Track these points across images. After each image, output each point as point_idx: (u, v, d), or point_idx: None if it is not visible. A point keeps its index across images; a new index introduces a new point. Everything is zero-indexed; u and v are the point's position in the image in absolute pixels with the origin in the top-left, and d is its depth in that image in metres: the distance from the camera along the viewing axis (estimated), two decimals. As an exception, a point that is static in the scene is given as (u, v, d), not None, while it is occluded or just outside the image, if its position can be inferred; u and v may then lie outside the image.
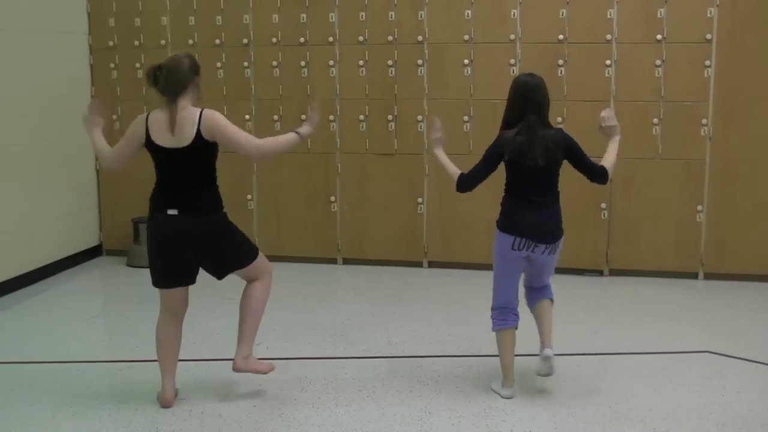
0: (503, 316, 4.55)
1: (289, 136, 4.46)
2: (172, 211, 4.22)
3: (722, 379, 4.86)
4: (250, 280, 4.50)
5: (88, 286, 7.16)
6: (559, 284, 4.80)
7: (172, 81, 4.21)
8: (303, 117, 7.24)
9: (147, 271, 7.25)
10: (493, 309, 4.61)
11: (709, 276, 6.98)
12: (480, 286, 6.71)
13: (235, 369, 4.44)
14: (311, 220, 7.51)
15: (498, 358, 4.63)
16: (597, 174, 4.55)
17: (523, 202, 4.43)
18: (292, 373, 4.89)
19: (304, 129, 4.55)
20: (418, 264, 7.40)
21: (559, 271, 5.29)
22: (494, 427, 4.20)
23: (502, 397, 4.54)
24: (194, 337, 5.44)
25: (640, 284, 6.88)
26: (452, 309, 6.22)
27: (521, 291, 4.70)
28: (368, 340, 5.53)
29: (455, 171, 4.61)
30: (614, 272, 7.09)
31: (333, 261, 7.54)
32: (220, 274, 4.45)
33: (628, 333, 5.69)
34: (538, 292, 4.69)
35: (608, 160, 4.61)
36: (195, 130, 4.17)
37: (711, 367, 5.06)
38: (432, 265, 7.38)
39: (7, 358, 5.20)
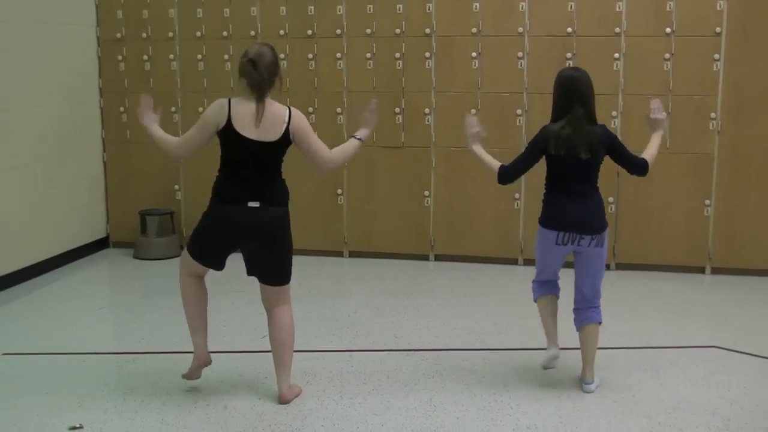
0: (541, 284, 4.68)
1: (354, 144, 4.49)
2: (253, 204, 4.21)
3: (728, 374, 4.84)
4: (273, 305, 4.43)
5: (95, 277, 7.18)
6: (565, 278, 4.78)
7: (263, 74, 4.15)
8: (310, 109, 7.30)
9: (154, 263, 7.31)
10: (534, 280, 4.72)
11: (716, 270, 6.96)
12: (486, 280, 6.74)
13: (284, 402, 4.39)
14: (318, 212, 7.51)
15: (508, 352, 4.63)
16: (638, 167, 4.54)
17: (565, 196, 4.43)
18: (298, 365, 4.86)
19: (363, 132, 4.56)
20: (424, 257, 7.39)
21: (567, 264, 5.26)
22: (499, 421, 4.19)
23: (549, 356, 4.63)
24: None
25: (647, 278, 6.86)
26: (458, 302, 6.21)
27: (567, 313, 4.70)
28: (374, 333, 5.53)
29: (495, 164, 4.58)
30: (621, 266, 7.07)
31: (339, 254, 7.54)
32: (262, 277, 4.39)
33: (634, 327, 5.68)
34: (585, 314, 4.58)
35: (650, 152, 4.60)
36: (284, 128, 4.18)
37: (717, 362, 5.04)
38: (438, 258, 7.38)
39: (15, 349, 5.22)
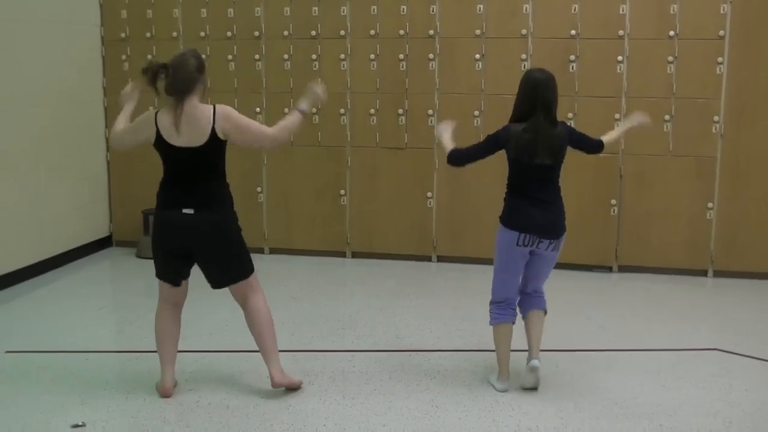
0: (501, 310, 4.57)
1: (295, 118, 4.39)
2: (187, 210, 4.22)
3: (730, 376, 4.85)
4: (244, 299, 4.45)
5: (97, 276, 7.19)
6: (567, 280, 4.80)
7: (179, 81, 4.14)
8: (314, 110, 7.30)
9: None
10: (491, 303, 4.63)
11: (718, 273, 6.96)
12: (488, 281, 6.69)
13: (276, 385, 4.42)
14: (321, 213, 7.52)
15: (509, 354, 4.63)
16: (593, 146, 4.67)
17: (527, 200, 4.43)
18: (300, 365, 4.90)
19: (305, 104, 4.44)
20: (427, 258, 7.40)
21: (568, 267, 5.31)
22: (501, 422, 4.20)
23: (496, 390, 4.56)
24: (202, 328, 5.47)
25: (649, 281, 6.86)
26: (460, 303, 6.22)
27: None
28: (376, 334, 5.54)
29: (450, 145, 4.66)
30: (623, 269, 7.08)
31: (342, 254, 7.55)
32: (218, 281, 4.41)
33: (636, 329, 5.68)
34: (532, 300, 4.64)
35: (610, 135, 4.80)
36: (210, 129, 4.16)
37: (719, 365, 5.05)
38: (441, 259, 7.39)
39: (18, 347, 5.23)
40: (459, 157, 4.62)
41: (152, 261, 4.43)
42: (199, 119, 4.17)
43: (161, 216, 4.32)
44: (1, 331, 5.59)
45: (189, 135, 4.16)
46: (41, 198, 6.91)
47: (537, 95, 4.39)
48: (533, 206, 4.41)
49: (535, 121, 4.38)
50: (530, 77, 4.47)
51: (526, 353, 4.63)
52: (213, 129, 4.17)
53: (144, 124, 4.26)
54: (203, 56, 4.42)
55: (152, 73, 4.16)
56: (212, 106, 4.22)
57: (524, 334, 4.65)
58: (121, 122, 4.43)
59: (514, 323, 4.61)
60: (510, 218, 4.46)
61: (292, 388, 4.51)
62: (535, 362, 4.54)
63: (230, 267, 4.39)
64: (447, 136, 4.72)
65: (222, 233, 4.31)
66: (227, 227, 4.34)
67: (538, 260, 4.54)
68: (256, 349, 4.92)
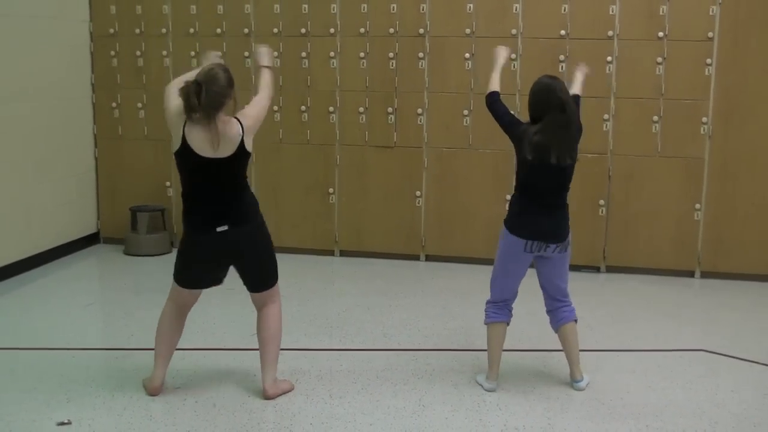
0: (498, 309, 4.57)
1: (268, 75, 4.49)
2: (221, 228, 4.20)
3: (716, 377, 4.87)
4: (262, 305, 4.46)
5: (84, 273, 7.16)
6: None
7: (211, 97, 4.07)
8: (303, 108, 7.31)
9: (144, 259, 7.29)
10: (489, 302, 4.62)
11: (705, 274, 6.98)
12: (477, 281, 6.72)
13: (268, 396, 4.39)
14: (309, 211, 7.51)
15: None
16: (578, 103, 4.71)
17: (535, 205, 4.40)
18: (287, 364, 4.88)
19: (266, 61, 4.54)
20: (415, 257, 7.40)
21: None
22: (488, 422, 4.20)
23: (484, 389, 4.56)
24: (190, 326, 5.43)
25: (636, 281, 6.88)
26: (449, 303, 6.22)
27: (543, 316, 4.73)
28: (364, 333, 5.53)
29: (495, 84, 4.72)
30: (611, 269, 7.10)
31: (330, 253, 7.54)
32: (256, 287, 4.43)
33: (623, 330, 5.70)
34: (561, 313, 4.59)
35: (577, 85, 4.91)
36: (239, 141, 4.16)
37: (705, 366, 5.06)
38: (429, 258, 7.39)
39: (3, 344, 5.20)
40: (493, 104, 4.66)
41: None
42: (230, 133, 4.14)
43: (194, 240, 4.28)
44: (-13, 327, 5.57)
45: (220, 148, 4.13)
46: (28, 194, 6.87)
47: (550, 97, 4.35)
48: (540, 212, 4.39)
49: (550, 122, 4.33)
50: (541, 82, 4.44)
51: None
52: (242, 141, 4.17)
53: (176, 121, 4.19)
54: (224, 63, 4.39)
55: (187, 93, 4.07)
56: (237, 120, 4.19)
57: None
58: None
59: (508, 324, 4.60)
60: (516, 224, 4.41)
61: (285, 392, 4.49)
62: (581, 384, 4.57)
63: (267, 272, 4.44)
64: (498, 70, 4.77)
65: (257, 242, 4.35)
66: (261, 234, 4.37)
67: (549, 264, 4.50)
68: (244, 347, 4.93)
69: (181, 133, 4.14)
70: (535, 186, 4.41)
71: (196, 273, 4.38)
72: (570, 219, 4.58)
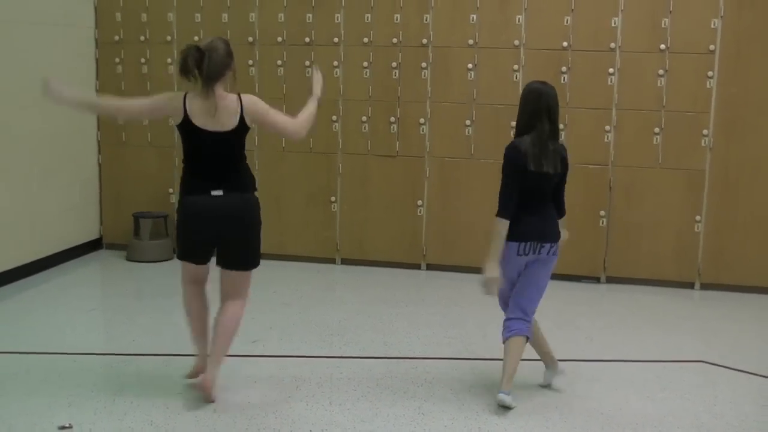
0: (510, 323, 4.53)
1: (312, 106, 4.54)
2: (216, 192, 4.27)
3: (715, 388, 4.88)
4: (230, 296, 4.47)
5: (87, 279, 7.19)
6: (555, 290, 4.82)
7: (212, 66, 4.18)
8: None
9: (147, 265, 7.32)
10: (508, 319, 4.56)
11: (705, 286, 7.00)
12: (477, 290, 6.74)
13: (206, 387, 4.35)
14: (311, 219, 7.54)
15: (497, 362, 4.64)
16: (561, 210, 4.59)
17: (525, 211, 4.41)
18: (288, 371, 4.92)
19: (317, 93, 4.63)
20: (416, 266, 7.42)
21: (557, 277, 5.25)
22: (487, 430, 4.22)
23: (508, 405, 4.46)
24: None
25: (636, 292, 6.89)
26: (449, 312, 6.24)
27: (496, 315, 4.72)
28: (364, 341, 5.55)
29: (500, 234, 4.41)
30: (611, 279, 7.11)
31: (332, 261, 7.57)
32: (231, 263, 4.41)
33: (623, 340, 5.72)
34: (517, 324, 4.48)
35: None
36: (239, 116, 4.23)
37: (704, 377, 5.08)
38: (430, 267, 7.40)
39: (5, 348, 5.23)
40: (509, 212, 4.39)
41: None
42: (228, 106, 4.23)
43: (189, 201, 4.35)
44: (-10, 331, 5.60)
45: (219, 120, 4.22)
46: (33, 199, 6.90)
47: (542, 105, 4.39)
48: (530, 215, 4.41)
49: (540, 132, 4.36)
50: (533, 88, 4.47)
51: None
52: (242, 115, 4.24)
53: (172, 104, 4.26)
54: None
55: (185, 56, 4.17)
56: (236, 95, 4.28)
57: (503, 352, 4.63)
58: (92, 96, 4.35)
59: (528, 338, 4.54)
60: (510, 230, 4.40)
61: (207, 399, 4.40)
62: (503, 398, 4.41)
63: (247, 251, 4.44)
64: (495, 246, 4.46)
65: (248, 214, 4.38)
66: (253, 210, 4.41)
67: (538, 266, 4.47)
68: (243, 354, 4.95)
69: (182, 106, 4.22)
70: (526, 194, 4.42)
71: (188, 241, 4.41)
72: (568, 229, 4.61)
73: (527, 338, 4.51)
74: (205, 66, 4.16)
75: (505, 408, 4.42)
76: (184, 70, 4.20)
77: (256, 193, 4.46)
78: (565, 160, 4.47)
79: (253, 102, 4.31)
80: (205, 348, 4.53)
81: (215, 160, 4.30)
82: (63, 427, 4.08)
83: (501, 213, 4.41)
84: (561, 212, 4.59)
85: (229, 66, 4.27)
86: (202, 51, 4.18)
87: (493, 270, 4.41)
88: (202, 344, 4.55)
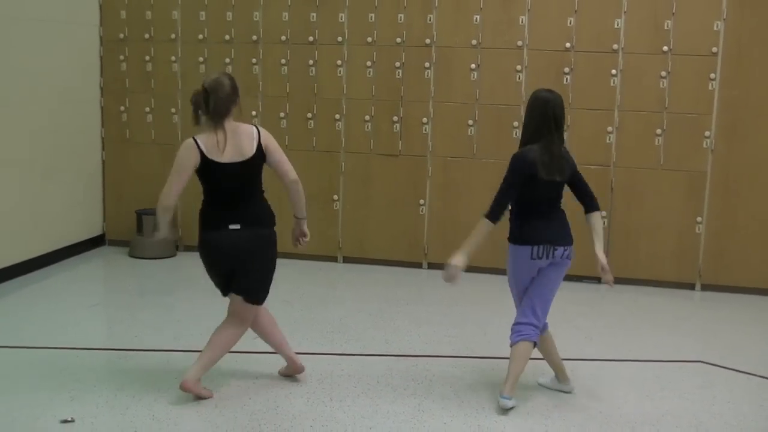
0: (520, 328, 4.53)
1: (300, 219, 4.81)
2: (234, 226, 4.34)
3: (714, 388, 4.90)
4: (234, 315, 4.54)
5: (90, 275, 7.22)
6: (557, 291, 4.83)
7: (219, 103, 4.28)
8: (309, 115, 7.37)
9: (149, 262, 7.36)
10: (518, 323, 4.55)
11: (706, 287, 7.02)
12: (479, 290, 6.79)
13: (185, 388, 4.38)
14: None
15: (497, 360, 4.66)
16: (593, 200, 4.57)
17: (537, 217, 4.46)
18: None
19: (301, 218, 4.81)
20: (417, 265, 7.45)
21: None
22: (486, 428, 4.24)
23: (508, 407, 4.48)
24: (194, 329, 5.51)
25: (637, 293, 6.92)
26: (450, 311, 6.26)
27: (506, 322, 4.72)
28: (365, 338, 5.58)
29: (482, 230, 4.47)
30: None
31: (334, 259, 7.60)
32: (238, 290, 4.49)
33: (623, 340, 5.74)
34: (527, 329, 4.48)
35: (598, 245, 4.63)
36: (255, 145, 4.33)
37: (703, 377, 5.10)
38: (432, 266, 7.42)
39: (8, 343, 5.26)
40: (498, 213, 4.43)
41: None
42: (242, 135, 4.34)
43: (208, 237, 4.40)
44: (-7, 326, 5.63)
45: (235, 150, 4.30)
46: (36, 195, 6.94)
47: (548, 113, 4.41)
48: (542, 221, 4.45)
49: (549, 140, 4.40)
50: (540, 96, 4.48)
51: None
52: (259, 143, 4.34)
53: (188, 155, 4.31)
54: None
55: (197, 102, 4.31)
56: (253, 126, 4.41)
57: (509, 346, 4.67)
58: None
59: (536, 344, 4.55)
60: (520, 234, 4.45)
61: (200, 397, 4.47)
62: (505, 402, 4.41)
63: (263, 283, 4.55)
64: (471, 242, 4.52)
65: (260, 250, 4.45)
66: (267, 246, 4.50)
67: (551, 270, 4.51)
68: (245, 350, 4.98)
69: (197, 150, 4.29)
70: (536, 200, 4.46)
71: (214, 275, 4.49)
72: (572, 230, 4.63)
73: (535, 344, 4.53)
74: (212, 104, 4.27)
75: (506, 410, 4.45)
76: (196, 114, 4.34)
77: (275, 228, 4.53)
78: (569, 160, 4.50)
79: (268, 135, 4.43)
80: (289, 351, 4.74)
81: (233, 192, 4.37)
82: (65, 421, 4.11)
83: (490, 216, 4.44)
84: (594, 204, 4.57)
85: (234, 102, 4.36)
86: (208, 91, 4.28)
87: (459, 260, 4.45)
88: (287, 352, 4.73)
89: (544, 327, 4.61)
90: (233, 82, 4.38)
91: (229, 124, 4.33)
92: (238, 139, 4.31)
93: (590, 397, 4.68)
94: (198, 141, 4.31)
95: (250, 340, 5.24)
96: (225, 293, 4.55)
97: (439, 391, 4.69)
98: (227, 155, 4.29)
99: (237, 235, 4.34)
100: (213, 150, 4.29)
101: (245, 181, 4.38)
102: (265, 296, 4.58)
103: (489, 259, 7.27)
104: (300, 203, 4.67)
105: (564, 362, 4.77)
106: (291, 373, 4.78)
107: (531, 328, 4.49)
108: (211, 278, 4.53)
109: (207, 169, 4.32)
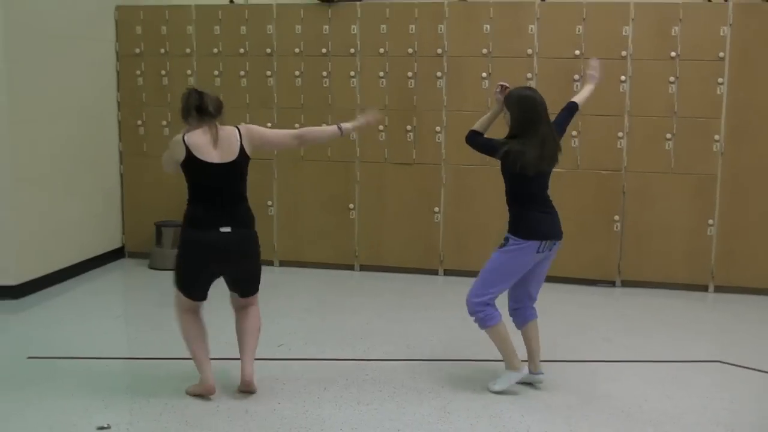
0: (494, 309, 4.81)
1: (331, 129, 4.80)
2: (225, 229, 4.46)
3: (732, 387, 4.99)
4: (245, 306, 4.78)
5: (111, 287, 7.33)
6: (571, 294, 4.94)
7: (213, 102, 4.46)
8: (324, 126, 7.45)
9: (169, 274, 7.37)
10: (484, 304, 4.82)
11: (719, 289, 7.11)
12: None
13: (248, 381, 4.62)
14: (330, 226, 7.67)
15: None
16: (571, 112, 4.91)
17: (536, 208, 4.68)
18: (315, 373, 5.04)
19: (347, 125, 4.84)
20: (433, 272, 7.55)
21: (572, 281, 5.38)
22: (511, 428, 4.33)
23: (512, 382, 4.78)
24: (220, 337, 5.59)
25: (651, 295, 7.01)
26: (468, 315, 6.31)
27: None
28: (387, 344, 5.67)
29: (480, 124, 4.84)
30: (626, 283, 7.22)
31: (350, 267, 7.70)
32: (247, 291, 4.73)
33: (639, 342, 5.82)
34: (528, 311, 4.89)
35: (581, 96, 5.02)
36: (239, 145, 4.48)
37: (721, 376, 5.19)
38: (448, 273, 7.52)
39: (40, 354, 5.36)
40: (474, 143, 4.83)
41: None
42: (229, 135, 4.49)
43: (195, 236, 4.51)
44: (22, 338, 5.74)
45: (222, 151, 4.44)
46: (56, 209, 7.05)
47: (539, 110, 4.61)
48: (544, 214, 4.69)
49: (543, 134, 4.58)
50: (526, 95, 4.68)
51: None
52: (241, 144, 4.49)
53: (176, 146, 4.48)
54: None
55: (188, 97, 4.48)
56: (234, 127, 4.55)
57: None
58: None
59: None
60: (527, 230, 4.62)
61: (250, 391, 4.68)
62: (541, 376, 4.82)
63: (257, 278, 4.76)
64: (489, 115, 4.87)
65: (254, 248, 4.65)
66: (257, 245, 4.68)
67: (546, 261, 4.77)
68: (272, 357, 5.08)
69: (183, 144, 4.42)
70: (534, 194, 4.69)
71: (193, 276, 4.59)
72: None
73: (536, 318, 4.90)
74: (205, 103, 4.43)
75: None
76: (186, 110, 4.47)
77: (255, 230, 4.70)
78: (557, 139, 4.72)
79: (248, 128, 4.58)
80: (210, 368, 4.66)
81: (221, 193, 4.49)
82: (102, 428, 4.21)
83: (469, 136, 4.85)
84: (573, 111, 4.94)
85: (221, 110, 4.52)
86: (199, 91, 4.48)
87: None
88: (208, 366, 4.66)
89: (534, 313, 4.89)
90: (219, 99, 4.56)
91: (218, 124, 4.49)
92: (225, 141, 4.46)
93: (611, 397, 4.77)
94: (186, 139, 4.43)
95: (275, 347, 5.36)
96: (194, 295, 4.61)
97: (463, 393, 4.78)
98: (218, 155, 4.43)
99: (227, 238, 4.47)
100: (201, 148, 4.40)
101: (232, 181, 4.51)
102: (257, 289, 4.78)
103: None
104: (324, 133, 4.89)
105: (583, 364, 4.87)
106: (201, 392, 4.67)
107: (531, 310, 4.87)
108: (189, 279, 4.60)
109: (194, 167, 4.44)
